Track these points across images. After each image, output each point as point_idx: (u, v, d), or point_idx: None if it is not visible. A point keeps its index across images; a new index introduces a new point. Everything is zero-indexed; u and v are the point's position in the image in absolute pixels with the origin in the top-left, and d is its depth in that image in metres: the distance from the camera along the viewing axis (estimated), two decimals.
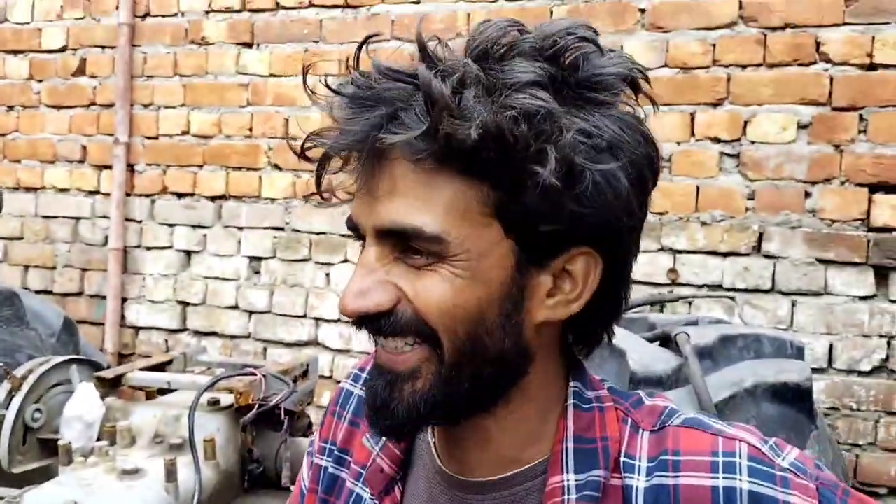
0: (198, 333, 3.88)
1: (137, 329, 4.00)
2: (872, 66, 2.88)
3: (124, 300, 4.00)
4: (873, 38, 2.88)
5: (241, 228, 3.79)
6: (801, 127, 2.97)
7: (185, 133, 3.88)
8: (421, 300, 0.75)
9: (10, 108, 4.20)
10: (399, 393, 0.78)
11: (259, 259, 3.76)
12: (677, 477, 0.77)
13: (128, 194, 3.97)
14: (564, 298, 0.79)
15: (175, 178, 3.91)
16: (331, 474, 0.97)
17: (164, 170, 3.92)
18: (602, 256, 0.78)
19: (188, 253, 3.89)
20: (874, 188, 2.89)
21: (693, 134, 3.10)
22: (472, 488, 0.85)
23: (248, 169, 3.75)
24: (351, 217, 0.79)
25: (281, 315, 3.72)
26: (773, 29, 2.99)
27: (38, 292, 3.92)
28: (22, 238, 4.19)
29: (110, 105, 3.98)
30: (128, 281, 3.99)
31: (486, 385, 0.79)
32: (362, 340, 3.39)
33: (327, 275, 3.63)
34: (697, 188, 3.10)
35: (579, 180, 0.72)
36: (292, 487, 1.64)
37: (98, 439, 2.19)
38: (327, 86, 0.77)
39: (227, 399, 2.21)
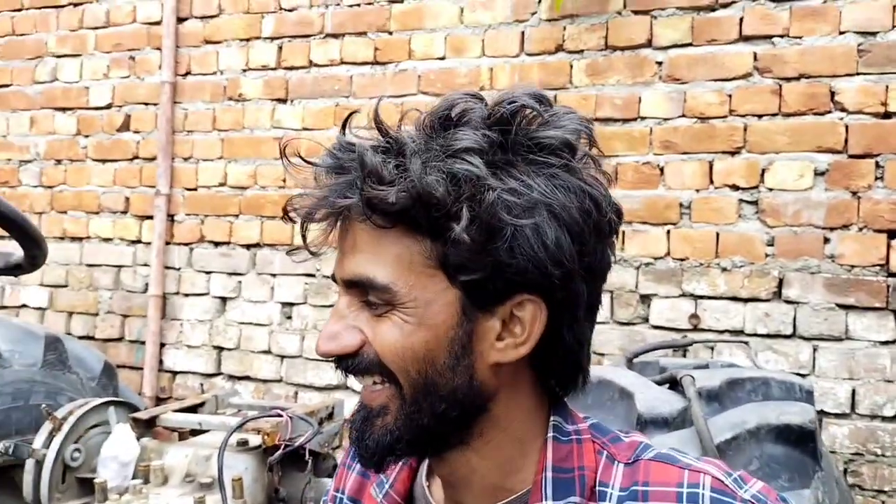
0: (232, 377, 3.99)
1: (175, 373, 4.13)
2: (887, 115, 2.93)
3: (162, 345, 4.13)
4: (887, 87, 2.93)
5: (274, 275, 3.92)
6: (818, 174, 3.01)
7: (222, 184, 4.04)
8: (378, 342, 0.85)
9: (59, 161, 4.41)
10: (371, 427, 0.88)
11: (291, 305, 3.88)
12: None
13: (167, 243, 4.13)
14: (513, 342, 0.86)
15: (212, 228, 4.06)
16: None
17: (202, 220, 4.09)
18: (546, 303, 0.84)
19: (223, 299, 4.03)
20: (892, 234, 2.92)
21: (712, 181, 3.16)
22: None
23: (282, 218, 3.88)
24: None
25: (311, 360, 3.81)
26: (788, 79, 3.06)
27: (80, 338, 4.08)
28: (66, 286, 4.37)
29: (152, 158, 4.17)
30: (166, 326, 4.13)
31: (447, 420, 0.87)
32: None
33: None
34: (717, 234, 3.15)
35: (499, 235, 0.80)
36: None
37: (133, 478, 2.28)
38: (304, 159, 0.89)
39: (255, 440, 2.29)
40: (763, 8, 3.10)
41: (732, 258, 3.12)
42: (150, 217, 4.15)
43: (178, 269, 4.13)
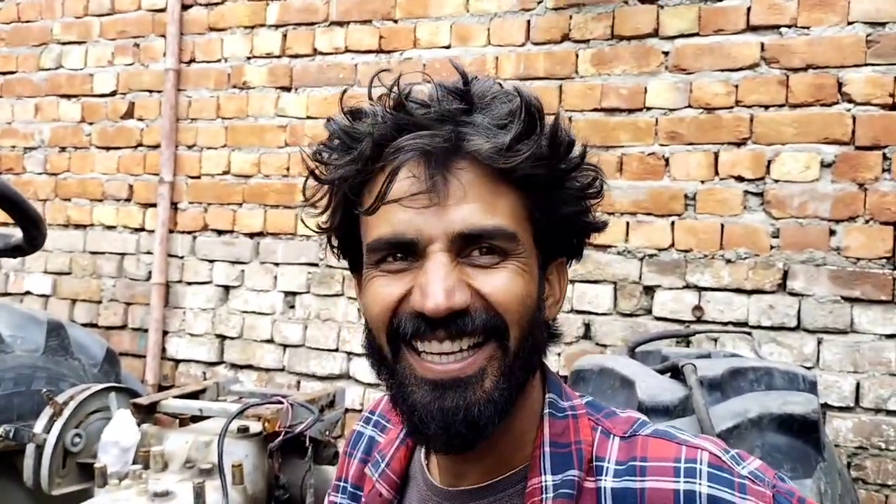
0: (234, 366, 3.99)
1: (177, 362, 4.13)
2: (895, 106, 2.91)
3: (165, 333, 4.13)
4: (895, 78, 2.91)
5: (277, 264, 3.91)
6: (825, 166, 2.99)
7: (225, 173, 4.04)
8: (499, 294, 0.82)
9: (63, 149, 4.41)
10: (471, 397, 0.82)
11: (294, 294, 3.87)
12: (644, 481, 0.83)
13: (171, 231, 4.13)
14: (553, 300, 0.92)
15: (215, 216, 4.06)
16: None
17: (205, 208, 4.08)
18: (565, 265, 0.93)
19: (226, 288, 4.02)
20: None
21: (717, 173, 3.14)
22: (462, 496, 0.92)
23: (285, 207, 3.89)
24: (394, 233, 0.83)
25: (314, 349, 3.81)
26: (795, 70, 3.03)
27: (84, 325, 4.08)
28: (70, 273, 4.37)
29: (156, 146, 4.16)
30: (169, 315, 4.13)
31: (527, 381, 0.89)
32: None
33: (359, 309, 3.71)
34: (722, 226, 3.13)
35: (579, 192, 0.91)
36: None
37: (133, 463, 2.28)
38: (398, 96, 0.87)
39: (255, 426, 2.28)
40: None
41: (737, 250, 3.10)
42: (154, 205, 4.15)
43: (182, 257, 4.12)
